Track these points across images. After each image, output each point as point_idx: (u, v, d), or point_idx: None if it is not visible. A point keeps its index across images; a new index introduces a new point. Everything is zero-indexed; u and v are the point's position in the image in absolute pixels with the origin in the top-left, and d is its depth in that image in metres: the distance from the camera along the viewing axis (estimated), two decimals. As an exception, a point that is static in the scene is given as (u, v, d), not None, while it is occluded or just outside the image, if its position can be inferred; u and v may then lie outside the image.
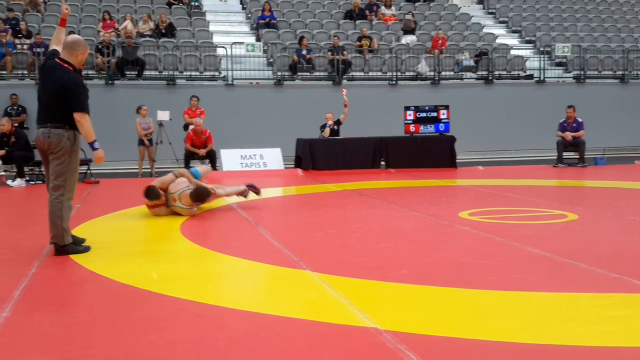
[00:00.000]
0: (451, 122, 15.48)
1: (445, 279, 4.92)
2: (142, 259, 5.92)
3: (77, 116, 5.66)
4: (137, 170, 14.75)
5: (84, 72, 17.37)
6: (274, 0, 21.65)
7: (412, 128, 15.33)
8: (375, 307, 4.21)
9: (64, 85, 5.67)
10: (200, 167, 9.73)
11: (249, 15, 21.85)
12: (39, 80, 5.86)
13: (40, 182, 13.10)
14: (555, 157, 15.23)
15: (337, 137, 15.19)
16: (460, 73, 19.99)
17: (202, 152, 14.27)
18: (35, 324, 3.96)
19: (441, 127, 15.38)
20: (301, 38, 19.07)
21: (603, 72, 21.07)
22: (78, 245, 6.03)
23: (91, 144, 5.81)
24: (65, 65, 5.78)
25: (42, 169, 13.39)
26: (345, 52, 18.88)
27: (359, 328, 3.79)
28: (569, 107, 15.22)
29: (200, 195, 8.33)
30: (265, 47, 19.32)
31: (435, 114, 15.37)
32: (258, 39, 19.94)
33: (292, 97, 17.92)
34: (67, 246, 5.86)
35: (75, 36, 6.03)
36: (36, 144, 5.91)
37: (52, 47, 6.06)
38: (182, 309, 4.26)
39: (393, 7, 22.55)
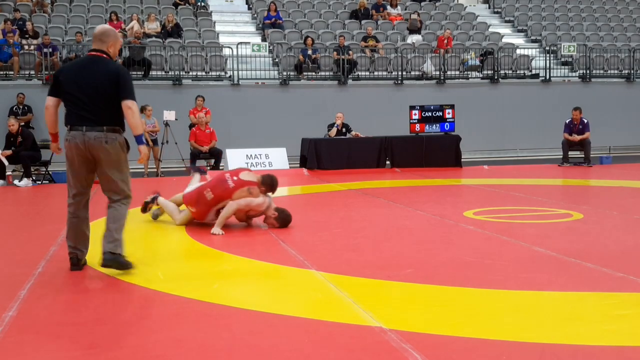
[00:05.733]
0: (456, 121, 15.46)
1: (451, 278, 4.92)
2: (148, 259, 5.93)
3: (129, 104, 5.06)
4: (142, 170, 14.78)
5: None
6: (279, 1, 21.66)
7: (417, 127, 15.32)
8: (380, 306, 4.22)
9: (108, 79, 5.07)
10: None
11: (255, 16, 21.87)
12: (72, 81, 5.13)
13: (47, 182, 13.15)
14: (561, 157, 15.20)
15: (343, 137, 15.20)
16: (465, 72, 19.96)
17: (206, 149, 14.39)
18: (42, 323, 3.98)
19: (446, 126, 15.37)
20: (307, 38, 19.07)
21: (609, 72, 21.00)
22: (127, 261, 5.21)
23: (138, 138, 5.19)
24: (104, 55, 5.19)
25: (47, 169, 13.54)
26: (351, 52, 18.87)
27: (364, 327, 3.80)
28: (575, 109, 15.17)
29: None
30: (271, 47, 19.33)
31: (440, 114, 15.36)
32: (264, 39, 19.95)
33: (297, 97, 17.92)
34: (120, 256, 5.13)
35: (104, 26, 5.47)
36: (78, 149, 5.08)
37: None
38: (187, 308, 4.27)
39: (399, 7, 22.53)
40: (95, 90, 5.06)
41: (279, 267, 5.40)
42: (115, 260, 5.07)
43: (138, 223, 7.99)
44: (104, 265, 5.09)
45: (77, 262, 5.25)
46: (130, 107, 5.05)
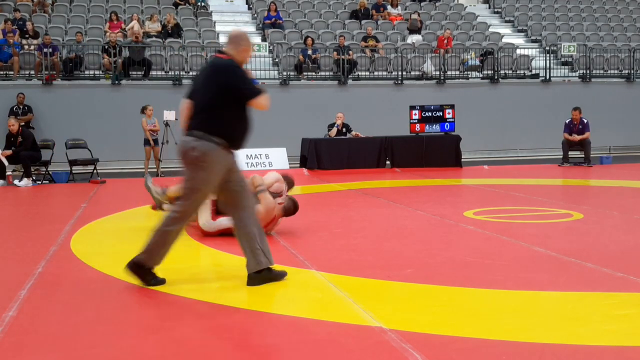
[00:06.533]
0: (456, 121, 15.46)
1: (451, 278, 4.92)
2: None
3: (258, 101, 4.86)
4: (143, 170, 14.78)
5: (89, 73, 17.46)
6: (279, 1, 21.66)
7: (417, 127, 15.32)
8: (380, 306, 4.22)
9: (224, 80, 4.74)
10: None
11: (255, 16, 21.86)
12: (193, 82, 4.99)
13: (47, 182, 13.16)
14: (561, 157, 15.20)
15: (343, 137, 15.20)
16: (465, 72, 19.95)
17: None
18: (42, 323, 3.98)
19: (446, 126, 15.37)
20: (307, 38, 19.07)
21: (609, 72, 20.99)
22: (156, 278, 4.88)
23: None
24: (225, 56, 4.86)
25: (47, 169, 13.53)
26: (351, 52, 18.87)
27: (364, 327, 3.80)
28: (575, 109, 15.18)
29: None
30: (271, 47, 19.33)
31: (440, 114, 15.37)
32: (264, 39, 19.94)
33: (297, 97, 17.91)
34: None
35: (239, 30, 5.17)
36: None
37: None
38: (187, 308, 4.27)
39: (399, 7, 22.53)
40: (212, 93, 4.75)
41: (279, 267, 5.39)
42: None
43: (138, 222, 8.00)
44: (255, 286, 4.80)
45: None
46: (260, 104, 4.87)
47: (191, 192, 4.76)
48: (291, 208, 6.96)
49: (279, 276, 4.90)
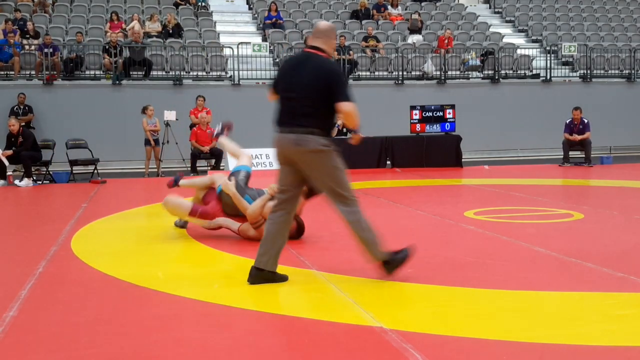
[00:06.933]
0: (457, 121, 15.46)
1: (451, 278, 4.92)
2: (148, 259, 5.94)
3: (344, 106, 4.75)
4: (143, 170, 14.80)
5: (90, 73, 17.47)
6: (280, 1, 21.66)
7: (418, 127, 15.32)
8: (380, 306, 4.22)
9: (325, 79, 4.75)
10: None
11: (256, 16, 21.87)
12: (283, 77, 4.99)
13: (48, 182, 13.17)
14: (561, 157, 15.20)
15: (344, 137, 15.20)
16: (466, 72, 19.94)
17: (206, 149, 14.42)
18: (42, 323, 3.98)
19: (447, 126, 15.36)
20: (307, 38, 19.07)
21: (610, 72, 20.98)
22: (399, 253, 4.93)
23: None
24: (321, 53, 4.87)
25: (47, 169, 13.54)
26: (351, 52, 18.87)
27: (364, 327, 3.80)
28: (575, 108, 15.19)
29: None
30: (272, 47, 19.33)
31: (441, 114, 15.37)
32: (264, 39, 19.94)
33: (298, 97, 17.89)
34: (392, 257, 4.87)
35: (326, 22, 5.19)
36: (279, 153, 5.02)
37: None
38: (187, 308, 4.28)
39: (399, 7, 22.53)
40: (308, 90, 4.78)
41: (279, 267, 5.39)
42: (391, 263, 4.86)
43: (138, 222, 8.00)
44: None
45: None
46: (346, 112, 4.74)
47: (343, 178, 4.84)
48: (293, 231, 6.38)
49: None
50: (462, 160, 15.22)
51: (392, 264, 4.85)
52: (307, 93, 4.76)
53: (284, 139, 4.88)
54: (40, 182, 12.96)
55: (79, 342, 3.63)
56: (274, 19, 20.32)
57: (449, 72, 19.58)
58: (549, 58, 20.34)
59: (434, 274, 5.06)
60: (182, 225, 7.22)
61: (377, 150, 14.94)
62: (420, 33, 21.02)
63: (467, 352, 3.41)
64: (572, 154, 15.21)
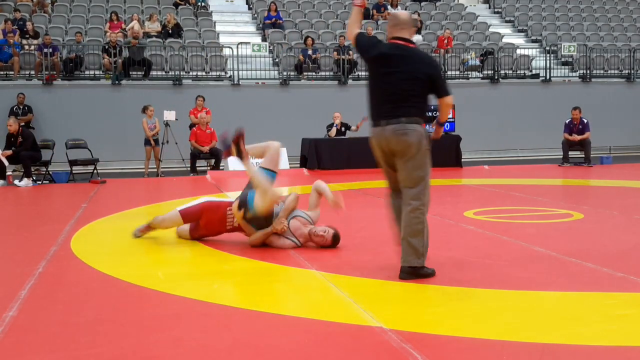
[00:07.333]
0: (457, 121, 15.46)
1: (451, 278, 4.91)
2: (148, 259, 5.93)
3: (447, 100, 5.07)
4: (143, 170, 14.80)
5: (90, 73, 17.48)
6: (280, 1, 21.66)
7: (417, 127, 15.31)
8: (380, 306, 4.22)
9: (433, 71, 4.95)
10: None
11: (255, 16, 21.87)
12: (379, 70, 4.97)
13: (47, 182, 13.16)
14: (561, 157, 15.20)
15: (343, 137, 15.20)
16: (466, 72, 19.96)
17: (206, 149, 14.44)
18: (42, 323, 3.98)
19: (446, 126, 15.36)
20: (307, 38, 19.07)
21: (609, 72, 21.00)
22: (428, 269, 4.95)
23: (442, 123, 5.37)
24: (411, 45, 4.95)
25: (47, 169, 13.54)
26: (351, 52, 18.87)
27: (364, 327, 3.80)
28: (575, 108, 15.19)
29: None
30: (271, 47, 19.34)
31: (441, 114, 15.35)
32: (264, 39, 19.95)
33: (298, 97, 17.92)
34: (421, 268, 4.87)
35: (405, 12, 5.29)
36: (376, 145, 5.06)
37: (353, 30, 5.10)
38: (187, 308, 4.27)
39: (399, 7, 22.52)
40: (408, 83, 4.90)
41: (279, 267, 5.40)
42: (416, 272, 4.82)
43: (138, 222, 7.99)
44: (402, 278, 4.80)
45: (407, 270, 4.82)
46: (448, 104, 5.09)
47: (425, 177, 5.03)
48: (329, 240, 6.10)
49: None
50: (462, 160, 15.22)
51: (415, 273, 4.81)
52: (412, 85, 4.85)
53: (386, 131, 4.91)
54: (39, 182, 12.96)
55: (79, 342, 3.63)
56: (273, 19, 20.32)
57: (449, 72, 19.58)
58: (548, 58, 20.35)
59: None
60: (139, 235, 6.62)
61: (377, 150, 14.91)
62: (419, 33, 21.01)
63: (467, 352, 3.41)
64: (571, 154, 15.21)
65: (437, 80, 4.92)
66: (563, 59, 21.18)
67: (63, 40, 18.01)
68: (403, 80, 4.82)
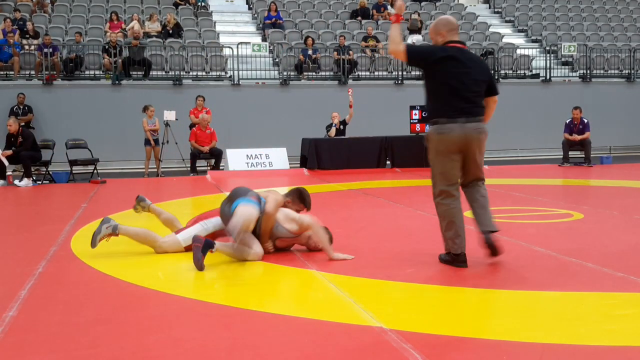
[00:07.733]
0: (457, 121, 15.44)
1: (451, 278, 4.92)
2: (148, 259, 5.93)
3: (496, 98, 5.47)
4: (143, 170, 14.80)
5: (90, 73, 17.48)
6: (280, 1, 21.67)
7: (417, 127, 15.32)
8: (380, 306, 4.22)
9: (489, 72, 5.50)
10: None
11: (255, 16, 21.88)
12: (451, 70, 5.15)
13: (47, 182, 13.16)
14: (561, 157, 15.20)
15: (343, 137, 15.21)
16: (466, 72, 19.94)
17: (206, 149, 14.44)
18: (42, 323, 3.98)
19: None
20: (307, 38, 19.08)
21: (609, 71, 21.01)
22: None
23: None
24: (465, 47, 5.36)
25: (47, 169, 13.54)
26: (351, 52, 18.88)
27: (364, 327, 3.80)
28: (575, 108, 15.20)
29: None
30: (271, 47, 19.34)
31: (441, 114, 15.35)
32: (264, 39, 19.96)
33: (298, 97, 17.93)
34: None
35: (450, 16, 5.59)
36: (449, 140, 5.22)
37: (399, 46, 5.22)
38: (187, 308, 4.27)
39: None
40: (479, 85, 5.27)
41: (279, 267, 5.40)
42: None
43: (138, 222, 7.99)
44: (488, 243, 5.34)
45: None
46: (496, 102, 5.48)
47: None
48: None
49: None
50: (462, 160, 15.20)
51: (488, 241, 5.33)
52: (479, 86, 5.26)
53: (467, 128, 5.19)
54: (40, 182, 12.96)
55: (79, 342, 3.63)
56: (273, 19, 20.32)
57: (449, 72, 19.55)
58: (548, 58, 20.35)
59: (433, 274, 5.06)
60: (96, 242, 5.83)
61: (376, 150, 14.94)
62: (420, 33, 21.02)
63: (467, 352, 3.41)
64: (571, 153, 15.21)
65: (493, 81, 5.45)
66: (563, 59, 21.19)
67: (63, 40, 18.02)
68: (474, 82, 5.22)
